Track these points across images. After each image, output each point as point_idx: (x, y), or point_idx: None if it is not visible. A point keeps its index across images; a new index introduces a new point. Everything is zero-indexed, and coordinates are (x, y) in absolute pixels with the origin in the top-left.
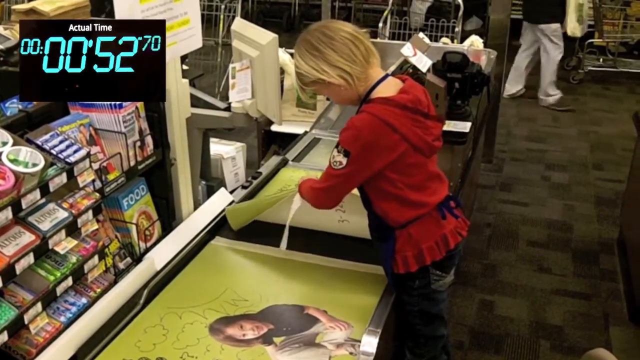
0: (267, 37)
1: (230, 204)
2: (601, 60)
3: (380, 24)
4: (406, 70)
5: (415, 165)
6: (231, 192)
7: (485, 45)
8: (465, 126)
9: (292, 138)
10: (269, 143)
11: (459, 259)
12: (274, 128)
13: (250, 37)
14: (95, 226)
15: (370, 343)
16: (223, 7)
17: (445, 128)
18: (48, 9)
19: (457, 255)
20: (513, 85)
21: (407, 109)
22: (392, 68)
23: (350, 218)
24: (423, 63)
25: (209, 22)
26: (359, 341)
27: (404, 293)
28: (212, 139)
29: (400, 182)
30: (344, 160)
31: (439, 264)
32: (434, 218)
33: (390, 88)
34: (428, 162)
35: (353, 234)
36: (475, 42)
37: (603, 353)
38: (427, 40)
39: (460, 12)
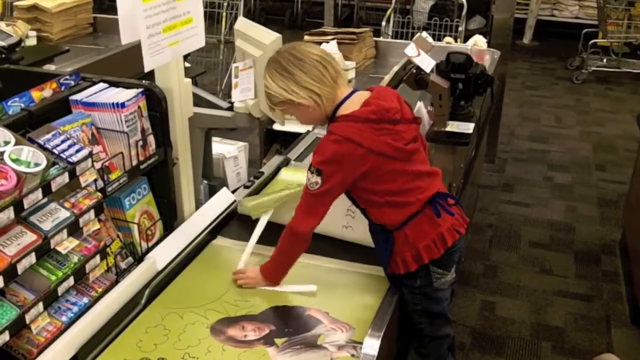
0: (270, 37)
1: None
2: (605, 60)
3: (384, 23)
4: (409, 70)
5: (394, 171)
6: (233, 192)
7: (489, 44)
8: (468, 127)
9: (293, 137)
10: (270, 142)
11: (459, 256)
12: (276, 127)
13: (254, 36)
14: (97, 226)
15: (372, 345)
16: (225, 4)
17: (448, 129)
18: (50, 5)
19: (457, 253)
20: None
21: (369, 121)
22: (396, 68)
23: (355, 225)
24: (427, 63)
25: (211, 19)
26: (361, 343)
27: (406, 293)
28: (213, 138)
29: (382, 190)
30: (319, 180)
31: (438, 262)
32: (428, 217)
33: (355, 103)
34: (410, 165)
35: (353, 241)
36: (478, 41)
37: (611, 359)
38: (430, 39)
39: (464, 11)
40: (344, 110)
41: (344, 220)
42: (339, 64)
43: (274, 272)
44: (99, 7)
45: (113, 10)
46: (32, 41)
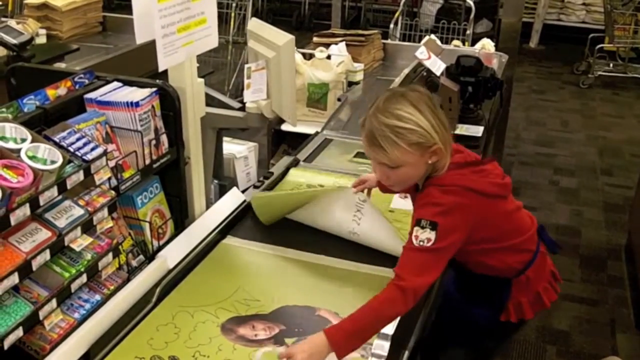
0: (283, 38)
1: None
2: (611, 65)
3: (392, 26)
4: (420, 73)
5: (499, 213)
6: (243, 192)
7: (496, 48)
8: (477, 130)
9: (301, 137)
10: (278, 142)
11: None
12: (284, 127)
13: (266, 37)
14: (110, 224)
15: (381, 347)
16: (234, 5)
17: (457, 132)
18: (60, 3)
19: None
20: None
21: (468, 165)
22: (406, 70)
23: (361, 231)
24: (437, 66)
25: (219, 19)
26: (371, 344)
27: (485, 322)
28: (223, 138)
29: (500, 235)
30: (432, 235)
31: None
32: (543, 254)
33: None
34: (509, 201)
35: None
36: (486, 45)
37: None
38: (439, 43)
39: (472, 15)
40: None
41: (350, 225)
42: None
43: (352, 339)
44: (107, 6)
45: (120, 9)
46: (41, 39)
